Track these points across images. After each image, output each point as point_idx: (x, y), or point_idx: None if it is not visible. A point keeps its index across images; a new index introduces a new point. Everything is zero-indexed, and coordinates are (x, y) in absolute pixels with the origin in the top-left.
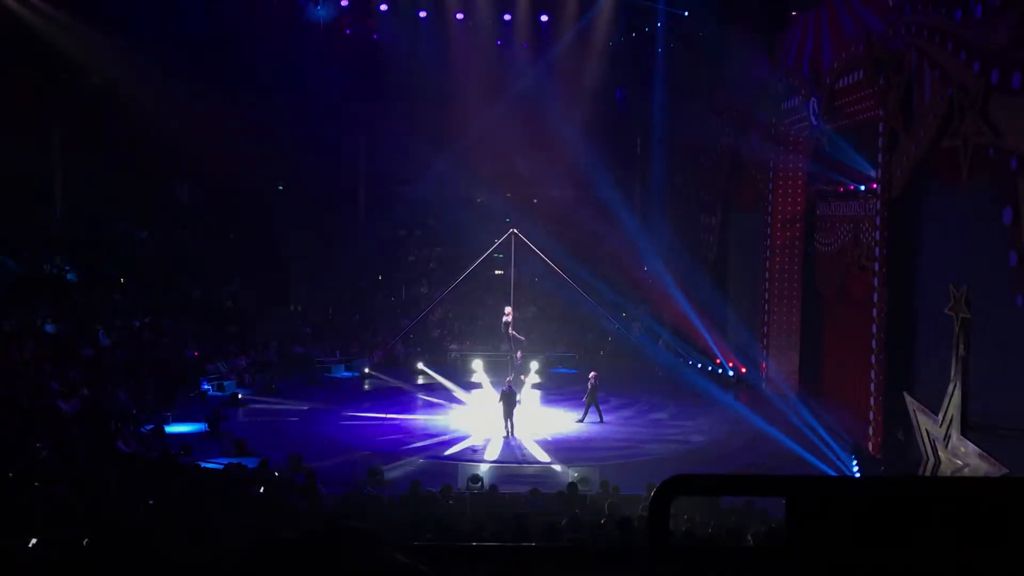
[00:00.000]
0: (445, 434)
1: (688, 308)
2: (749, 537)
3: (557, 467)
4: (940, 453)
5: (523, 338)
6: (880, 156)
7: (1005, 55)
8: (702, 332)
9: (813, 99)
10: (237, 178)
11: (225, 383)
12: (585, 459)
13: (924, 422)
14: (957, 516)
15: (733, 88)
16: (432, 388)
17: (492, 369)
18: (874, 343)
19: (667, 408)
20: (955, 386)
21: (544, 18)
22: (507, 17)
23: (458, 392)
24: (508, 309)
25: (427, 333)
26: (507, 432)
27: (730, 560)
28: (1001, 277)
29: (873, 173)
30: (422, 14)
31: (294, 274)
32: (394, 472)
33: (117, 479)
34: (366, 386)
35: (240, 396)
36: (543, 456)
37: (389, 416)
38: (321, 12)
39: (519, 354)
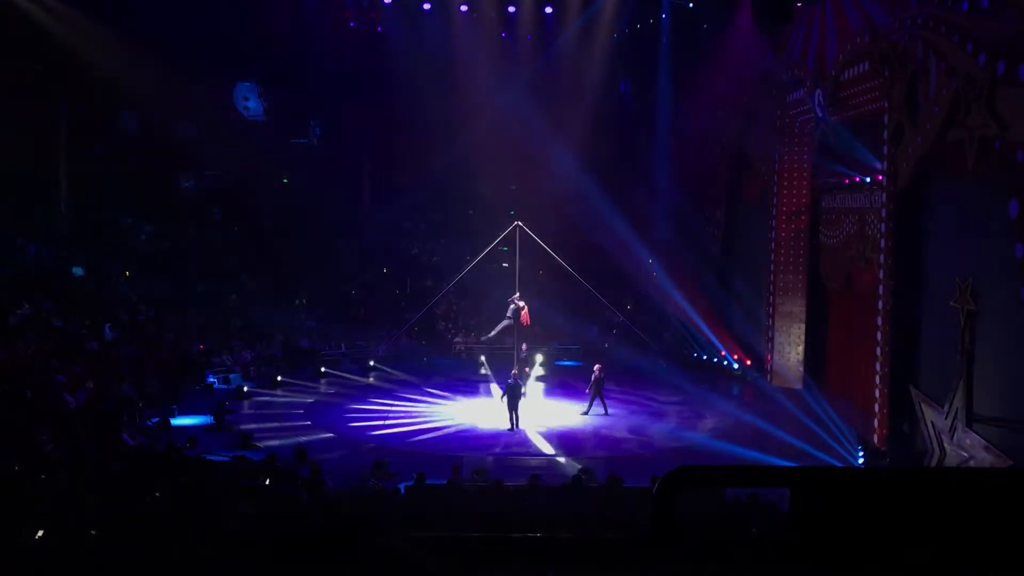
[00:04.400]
0: (450, 426)
1: (693, 301)
2: (754, 529)
3: (562, 459)
4: (945, 445)
5: (523, 304)
6: (885, 148)
7: (1011, 47)
8: (707, 324)
9: (818, 91)
10: (242, 172)
11: (230, 376)
12: (590, 451)
13: (929, 414)
14: (963, 508)
15: (738, 80)
16: (437, 380)
17: (497, 362)
18: (879, 335)
19: (672, 401)
20: (960, 378)
21: (548, 10)
22: (511, 9)
23: (463, 385)
24: (522, 305)
25: (432, 326)
26: (512, 424)
27: (735, 552)
28: (1007, 270)
29: (878, 165)
30: (426, 6)
31: (299, 268)
32: (399, 465)
33: (123, 472)
34: (371, 379)
35: (245, 389)
36: (548, 448)
37: (394, 409)
38: (252, 107)
39: (524, 346)
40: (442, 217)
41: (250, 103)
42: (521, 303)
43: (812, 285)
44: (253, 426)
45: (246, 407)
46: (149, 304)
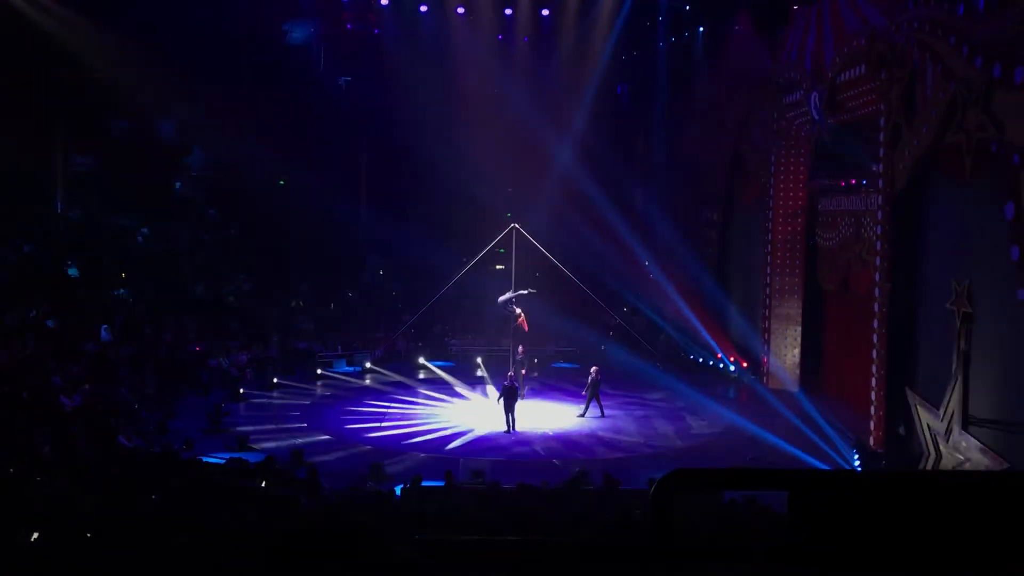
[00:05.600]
0: (447, 429)
1: (690, 303)
2: (751, 532)
3: (558, 462)
4: (941, 447)
5: (521, 313)
6: (882, 151)
7: (1007, 49)
8: (704, 327)
9: (815, 93)
10: (239, 173)
11: (227, 378)
12: (587, 454)
13: (925, 416)
14: (958, 510)
15: (735, 82)
16: (433, 383)
17: (494, 364)
18: (876, 338)
19: (669, 403)
20: (956, 381)
21: (545, 13)
22: (508, 12)
23: (459, 387)
24: (519, 313)
25: (428, 328)
26: (508, 427)
27: (732, 555)
28: (1003, 272)
29: (875, 168)
30: (423, 8)
31: (295, 269)
32: (395, 467)
33: (119, 474)
34: (367, 381)
35: (242, 391)
36: (544, 451)
37: (391, 411)
38: (296, 35)
39: (521, 349)
40: (439, 218)
41: (295, 33)
42: (518, 310)
43: (809, 287)
44: (250, 428)
45: (243, 409)
46: (145, 306)
